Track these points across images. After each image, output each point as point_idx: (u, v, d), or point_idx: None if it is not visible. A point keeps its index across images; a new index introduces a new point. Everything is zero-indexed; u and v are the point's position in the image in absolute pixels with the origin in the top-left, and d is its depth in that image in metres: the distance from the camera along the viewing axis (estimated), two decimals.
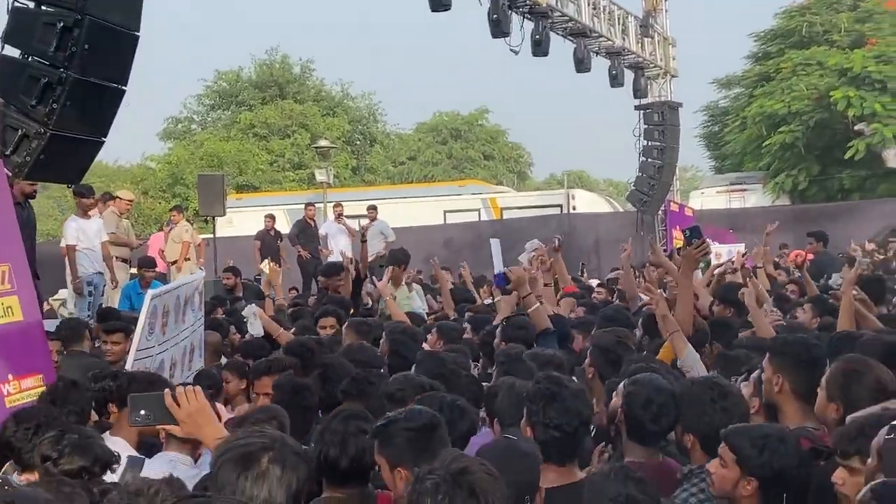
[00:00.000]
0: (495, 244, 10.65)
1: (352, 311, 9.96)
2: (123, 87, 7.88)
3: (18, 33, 7.51)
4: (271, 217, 19.44)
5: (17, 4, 7.53)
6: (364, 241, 12.07)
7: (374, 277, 11.93)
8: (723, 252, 21.18)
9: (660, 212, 24.15)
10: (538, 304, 7.16)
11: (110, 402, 5.23)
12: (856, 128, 31.86)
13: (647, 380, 4.48)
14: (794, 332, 6.64)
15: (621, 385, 4.60)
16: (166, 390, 3.58)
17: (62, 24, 7.33)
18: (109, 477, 3.87)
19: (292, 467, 2.81)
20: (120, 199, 14.79)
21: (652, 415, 4.32)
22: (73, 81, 7.34)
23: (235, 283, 14.52)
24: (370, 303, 11.48)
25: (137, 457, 4.59)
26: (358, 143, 52.28)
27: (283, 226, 21.32)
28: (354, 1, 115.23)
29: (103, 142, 7.91)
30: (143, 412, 3.50)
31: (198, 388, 3.56)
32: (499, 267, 11.43)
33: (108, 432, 5.05)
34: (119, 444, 4.68)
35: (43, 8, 7.53)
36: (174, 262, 16.55)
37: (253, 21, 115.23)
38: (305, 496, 2.91)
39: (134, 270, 14.54)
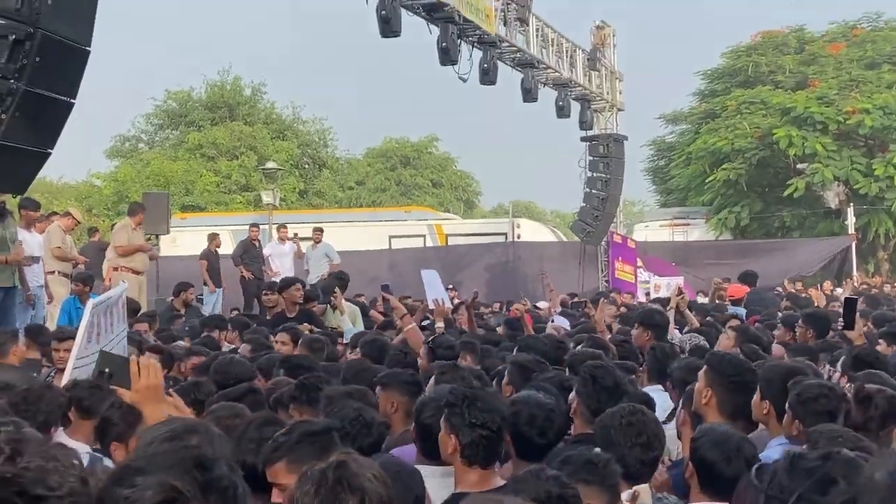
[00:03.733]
0: (431, 274, 11.00)
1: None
2: (73, 101, 8.03)
3: None
4: (215, 236, 19.52)
5: None
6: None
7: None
8: (661, 284, 21.64)
9: (603, 242, 24.51)
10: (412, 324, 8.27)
11: (70, 409, 5.42)
12: (797, 167, 32.58)
13: (527, 397, 4.65)
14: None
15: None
16: (132, 357, 3.71)
17: (14, 36, 7.47)
18: None
19: (221, 449, 2.71)
20: (72, 216, 14.89)
21: (538, 429, 4.48)
22: (23, 93, 7.48)
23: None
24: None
25: (97, 455, 4.73)
26: (307, 167, 52.35)
27: (228, 246, 21.40)
28: (308, 24, 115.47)
29: (50, 153, 8.04)
30: (107, 370, 3.65)
31: (157, 365, 3.70)
32: (440, 293, 11.73)
33: (63, 431, 5.22)
34: (77, 445, 4.87)
35: None
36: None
37: (206, 41, 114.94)
38: None
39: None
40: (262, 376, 6.98)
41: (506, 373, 6.25)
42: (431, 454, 4.44)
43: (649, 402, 5.04)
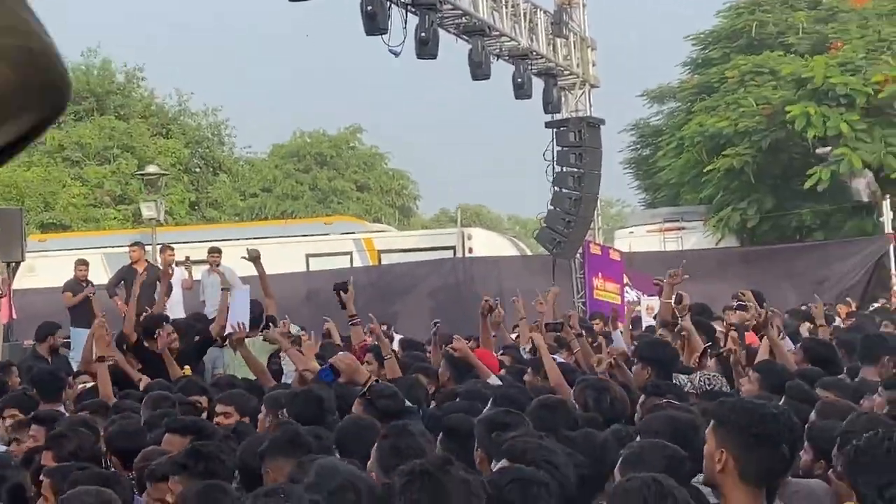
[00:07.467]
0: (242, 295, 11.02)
1: None
2: None
3: None
4: (83, 263, 19.19)
5: None
6: None
7: None
8: (655, 305, 21.51)
9: (577, 255, 24.30)
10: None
11: None
12: (817, 151, 32.60)
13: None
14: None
15: None
16: None
17: None
18: None
19: None
20: None
21: None
22: None
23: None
24: None
25: None
26: (198, 170, 51.92)
27: (101, 275, 21.04)
28: None
29: None
30: None
31: None
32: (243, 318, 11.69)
33: None
34: None
35: None
36: None
37: (67, 17, 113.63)
38: None
39: None
40: None
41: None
42: None
43: None
